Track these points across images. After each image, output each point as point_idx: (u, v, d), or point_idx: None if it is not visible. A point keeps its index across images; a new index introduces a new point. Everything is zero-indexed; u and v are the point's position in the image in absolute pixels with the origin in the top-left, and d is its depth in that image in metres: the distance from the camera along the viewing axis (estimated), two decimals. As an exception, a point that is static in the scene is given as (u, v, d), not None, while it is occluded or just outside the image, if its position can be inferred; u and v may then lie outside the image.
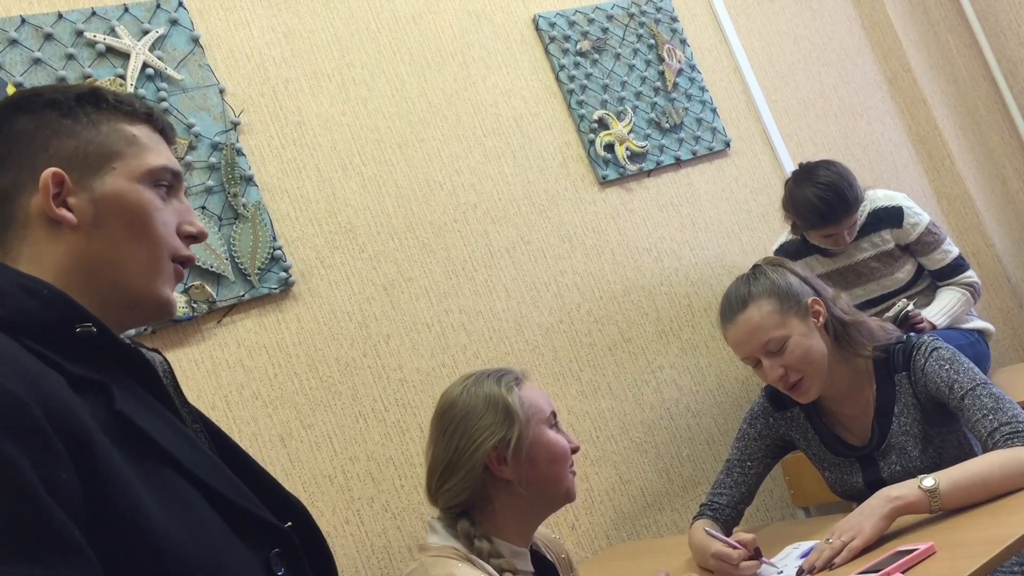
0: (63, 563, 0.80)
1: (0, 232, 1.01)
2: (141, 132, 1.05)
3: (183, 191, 1.09)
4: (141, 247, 1.02)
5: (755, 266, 2.00)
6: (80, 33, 2.17)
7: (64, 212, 0.99)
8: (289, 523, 1.04)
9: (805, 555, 1.78)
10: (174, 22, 2.29)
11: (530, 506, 1.63)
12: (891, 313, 2.46)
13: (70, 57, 2.14)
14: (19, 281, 0.94)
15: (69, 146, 1.01)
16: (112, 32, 2.21)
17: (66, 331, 0.93)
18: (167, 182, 1.06)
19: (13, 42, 2.09)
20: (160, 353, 1.09)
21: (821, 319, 1.91)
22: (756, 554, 1.77)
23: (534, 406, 1.64)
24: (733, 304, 1.92)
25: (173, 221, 1.05)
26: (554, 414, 1.68)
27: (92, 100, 1.04)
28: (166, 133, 1.09)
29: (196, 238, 1.08)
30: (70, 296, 0.95)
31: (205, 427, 1.09)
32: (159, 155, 1.05)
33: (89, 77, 2.15)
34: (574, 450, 1.68)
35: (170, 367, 1.09)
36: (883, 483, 1.85)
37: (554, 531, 1.91)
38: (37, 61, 2.11)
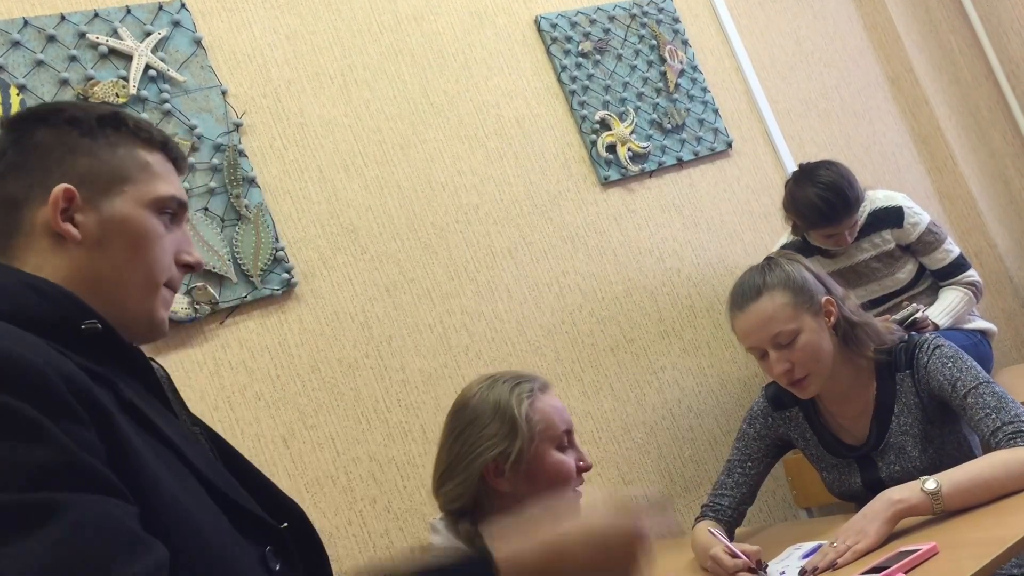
0: (116, 499, 0.84)
1: (7, 238, 1.04)
2: (155, 159, 1.09)
3: (185, 221, 1.13)
4: (139, 270, 1.05)
5: (769, 258, 1.98)
6: (83, 35, 2.17)
7: (69, 227, 1.02)
8: (285, 524, 1.06)
9: (807, 556, 1.78)
10: (176, 24, 2.30)
11: None
12: (899, 316, 2.45)
13: (73, 59, 2.15)
14: (25, 280, 0.97)
15: (84, 164, 1.04)
16: (115, 34, 2.21)
17: (71, 328, 0.95)
18: (172, 210, 1.09)
19: (16, 44, 2.09)
20: (158, 363, 1.11)
21: (832, 319, 1.90)
22: (758, 566, 1.74)
23: (544, 422, 1.59)
24: (746, 292, 1.90)
25: (172, 249, 1.09)
26: (568, 432, 1.62)
27: (112, 122, 1.07)
28: (178, 163, 1.13)
29: (192, 268, 1.11)
30: (76, 295, 0.98)
31: (204, 431, 1.11)
32: (169, 184, 1.09)
33: (92, 79, 2.15)
34: (584, 469, 1.63)
35: (168, 377, 1.11)
36: (882, 484, 1.85)
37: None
38: (40, 63, 2.11)
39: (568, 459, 1.61)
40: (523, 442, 1.56)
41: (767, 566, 1.76)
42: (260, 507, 1.04)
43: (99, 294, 1.02)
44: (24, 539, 0.78)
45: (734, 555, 1.75)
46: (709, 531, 1.88)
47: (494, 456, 1.56)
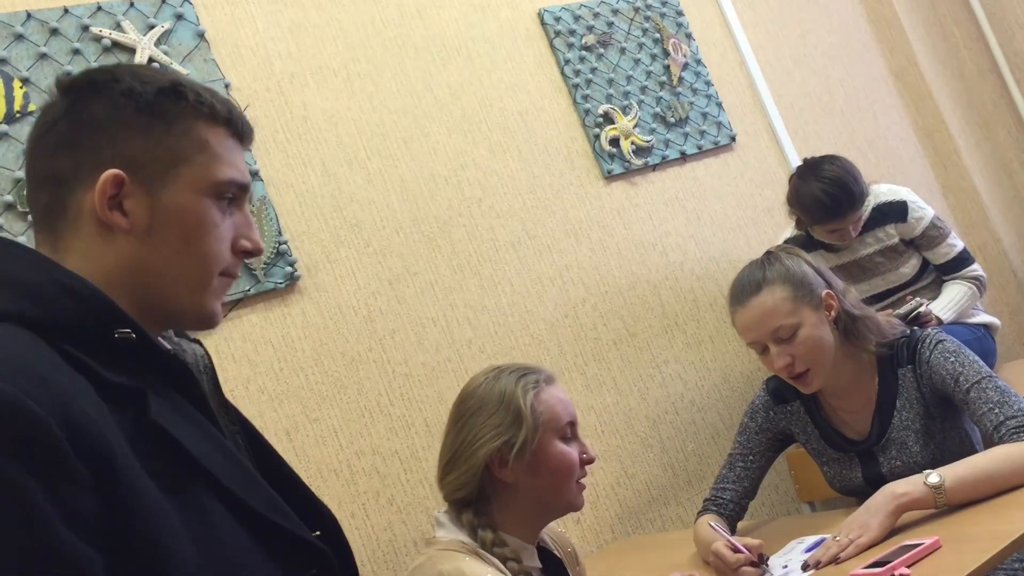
0: None
1: (53, 218, 0.97)
2: (216, 137, 1.00)
3: (247, 203, 1.05)
4: (192, 262, 0.98)
5: (768, 252, 1.97)
6: (86, 28, 2.17)
7: (117, 217, 0.95)
8: (318, 532, 1.01)
9: (810, 550, 1.77)
10: (179, 17, 2.29)
11: (530, 510, 1.60)
12: (903, 310, 2.45)
13: (76, 52, 2.15)
14: (59, 279, 0.91)
15: (137, 145, 0.96)
16: (118, 27, 2.21)
17: (104, 335, 0.90)
18: (231, 195, 1.01)
19: (19, 37, 2.09)
20: (201, 344, 1.06)
21: (833, 312, 1.90)
22: (760, 560, 1.74)
23: (548, 413, 1.59)
24: (746, 287, 1.90)
25: (229, 236, 1.01)
26: (572, 424, 1.63)
27: (172, 95, 0.99)
28: (244, 139, 1.04)
29: (251, 254, 1.03)
30: (111, 299, 0.92)
31: (243, 428, 1.06)
32: (229, 166, 1.00)
33: (95, 72, 2.15)
34: (587, 462, 1.63)
35: (211, 360, 1.06)
36: (882, 478, 1.84)
37: (559, 525, 1.90)
38: (43, 56, 2.11)
39: (572, 451, 1.61)
40: (527, 432, 1.56)
41: (769, 559, 1.75)
42: (297, 516, 0.98)
43: (147, 287, 0.96)
44: None
45: (736, 550, 1.75)
46: (710, 525, 1.88)
47: (498, 446, 1.56)
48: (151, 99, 0.97)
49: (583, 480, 1.64)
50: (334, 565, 0.99)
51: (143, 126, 0.97)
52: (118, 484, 0.82)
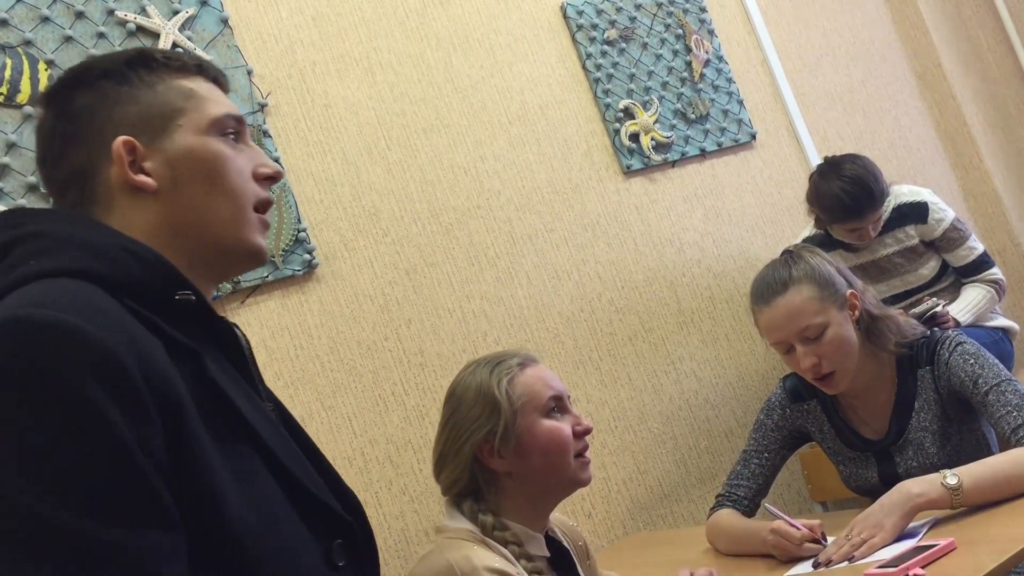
0: (159, 531, 0.81)
1: (89, 209, 1.01)
2: (196, 85, 1.05)
3: (248, 136, 1.09)
4: (222, 200, 1.02)
5: (789, 251, 1.95)
6: (111, 12, 2.18)
7: (143, 178, 1.00)
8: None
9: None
10: (204, 3, 2.30)
11: (534, 495, 1.59)
12: (919, 309, 2.44)
13: (101, 36, 2.16)
14: (123, 243, 0.95)
15: (132, 112, 1.01)
16: (143, 11, 2.22)
17: (165, 296, 0.94)
18: (232, 129, 1.05)
19: (45, 19, 2.10)
20: (241, 332, 1.09)
21: (856, 312, 1.89)
22: (822, 538, 1.74)
23: (528, 394, 1.57)
24: (772, 286, 1.87)
25: (247, 167, 1.05)
26: (557, 398, 1.59)
27: (143, 62, 1.04)
28: (219, 82, 1.09)
29: (273, 179, 1.08)
30: (171, 262, 0.96)
31: (277, 409, 1.09)
32: (219, 104, 1.05)
33: (119, 56, 2.16)
34: (583, 433, 1.60)
35: (250, 348, 1.09)
36: (899, 479, 1.83)
37: (571, 519, 1.91)
38: (68, 39, 2.12)
39: (561, 424, 1.58)
40: (507, 418, 1.55)
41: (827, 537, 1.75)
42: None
43: (189, 237, 1.00)
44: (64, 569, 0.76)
45: (796, 527, 1.75)
46: (766, 506, 1.88)
47: (483, 437, 1.55)
48: (124, 70, 1.03)
49: (586, 453, 1.60)
50: (358, 539, 1.02)
51: (128, 95, 1.02)
52: (183, 435, 0.85)
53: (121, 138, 0.99)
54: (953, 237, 2.76)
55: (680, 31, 3.11)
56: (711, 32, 3.18)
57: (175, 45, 2.23)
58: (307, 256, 2.30)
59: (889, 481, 1.86)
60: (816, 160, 3.16)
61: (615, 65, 2.94)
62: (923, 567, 1.48)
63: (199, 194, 1.01)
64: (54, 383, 0.79)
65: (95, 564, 0.77)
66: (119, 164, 0.99)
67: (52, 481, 0.77)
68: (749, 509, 2.01)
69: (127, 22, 2.19)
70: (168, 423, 0.84)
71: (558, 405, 1.61)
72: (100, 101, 1.01)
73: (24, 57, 2.06)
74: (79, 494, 0.78)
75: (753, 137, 3.17)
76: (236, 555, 0.87)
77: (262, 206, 1.06)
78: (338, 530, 1.00)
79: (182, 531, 0.83)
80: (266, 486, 0.93)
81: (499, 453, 1.56)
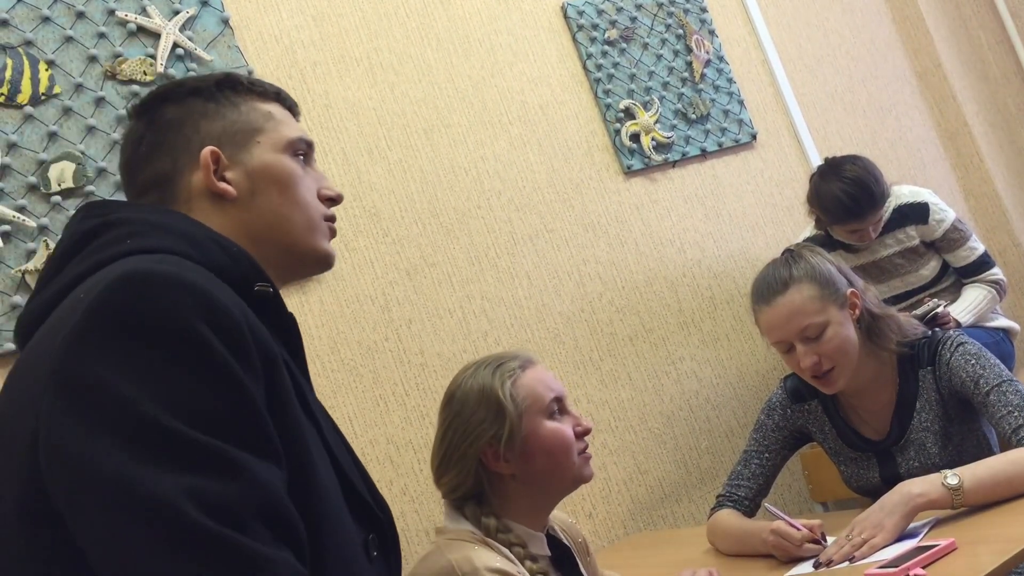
0: (276, 466, 0.89)
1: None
2: (274, 109, 1.16)
3: (314, 159, 1.19)
4: (295, 210, 1.11)
5: (790, 250, 1.95)
6: (111, 12, 2.18)
7: (225, 186, 1.09)
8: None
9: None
10: (204, 3, 2.30)
11: (537, 495, 1.59)
12: (920, 310, 2.44)
13: (101, 36, 2.16)
14: (212, 236, 1.04)
15: (217, 127, 1.11)
16: (143, 12, 2.22)
17: (247, 287, 1.01)
18: (303, 151, 1.15)
19: (46, 20, 2.10)
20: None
21: (857, 311, 1.88)
22: (822, 539, 1.74)
23: (531, 396, 1.57)
24: (772, 285, 1.88)
25: (314, 186, 1.15)
26: (558, 399, 1.60)
27: (229, 84, 1.15)
28: (293, 110, 1.20)
29: (335, 200, 1.17)
30: (253, 256, 1.05)
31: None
32: (293, 128, 1.16)
33: (120, 56, 2.16)
34: (583, 432, 1.61)
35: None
36: (900, 479, 1.83)
37: (571, 517, 1.90)
38: (69, 39, 2.12)
39: (563, 426, 1.59)
40: (512, 421, 1.55)
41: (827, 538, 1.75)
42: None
43: (265, 242, 1.09)
44: (204, 477, 0.83)
45: (796, 528, 1.75)
46: (767, 507, 1.88)
47: (487, 441, 1.55)
48: (214, 90, 1.13)
49: (587, 451, 1.62)
50: (388, 535, 1.09)
51: (215, 112, 1.12)
52: (280, 394, 0.94)
53: (209, 148, 1.09)
54: (954, 238, 2.76)
55: (681, 31, 3.11)
56: (712, 32, 3.18)
57: (176, 45, 2.23)
58: (308, 256, 2.30)
59: (890, 481, 1.86)
60: (816, 160, 3.16)
61: (616, 65, 2.94)
62: (924, 567, 1.48)
63: (274, 204, 1.11)
64: (174, 326, 0.88)
65: (232, 473, 0.84)
66: (205, 171, 1.08)
67: (186, 404, 0.86)
68: (750, 509, 2.01)
69: (127, 22, 2.19)
70: (269, 379, 0.92)
71: (559, 406, 1.61)
72: (188, 115, 1.11)
73: (25, 57, 2.06)
74: (208, 415, 0.86)
75: (754, 137, 3.17)
76: (312, 520, 0.92)
77: (329, 221, 1.16)
78: (372, 525, 1.06)
79: (285, 470, 0.90)
80: (326, 469, 1.00)
81: (504, 456, 1.55)
